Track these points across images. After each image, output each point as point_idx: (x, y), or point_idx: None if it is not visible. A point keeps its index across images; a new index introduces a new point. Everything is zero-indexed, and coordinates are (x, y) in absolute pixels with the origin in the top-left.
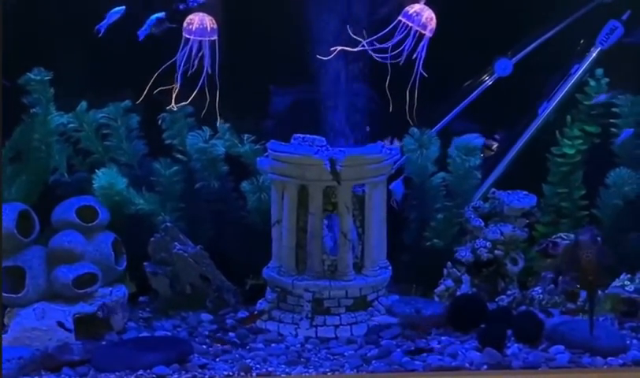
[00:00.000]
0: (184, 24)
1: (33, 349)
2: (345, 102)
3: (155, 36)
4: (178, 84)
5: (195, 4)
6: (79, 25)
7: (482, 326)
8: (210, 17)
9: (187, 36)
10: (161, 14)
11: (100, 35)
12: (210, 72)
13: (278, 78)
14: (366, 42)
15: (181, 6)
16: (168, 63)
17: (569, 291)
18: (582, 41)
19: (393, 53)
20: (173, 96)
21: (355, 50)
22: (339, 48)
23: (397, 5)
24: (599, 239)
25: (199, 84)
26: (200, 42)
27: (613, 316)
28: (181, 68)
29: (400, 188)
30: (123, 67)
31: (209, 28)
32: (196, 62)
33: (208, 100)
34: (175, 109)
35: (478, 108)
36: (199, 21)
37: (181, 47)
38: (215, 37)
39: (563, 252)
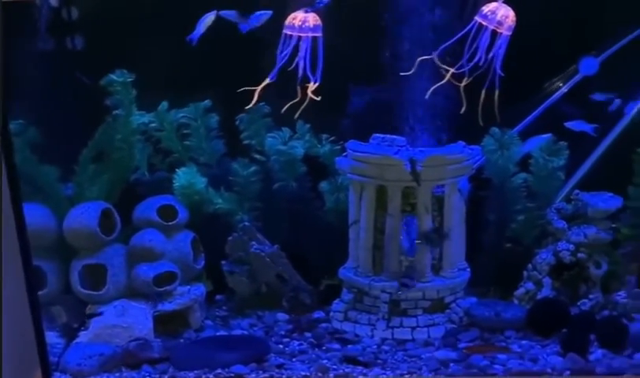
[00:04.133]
0: (288, 21)
1: (114, 346)
2: (426, 102)
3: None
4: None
5: (322, 5)
6: (160, 26)
7: (565, 331)
8: (314, 14)
9: (291, 33)
10: (269, 12)
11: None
12: (307, 70)
13: (359, 78)
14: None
15: (308, 9)
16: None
17: None
18: None
19: (470, 66)
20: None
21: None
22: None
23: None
24: None
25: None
26: (301, 38)
27: None
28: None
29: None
30: (204, 66)
31: (312, 25)
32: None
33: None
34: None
35: (560, 108)
36: (310, 19)
37: (282, 44)
38: (319, 34)
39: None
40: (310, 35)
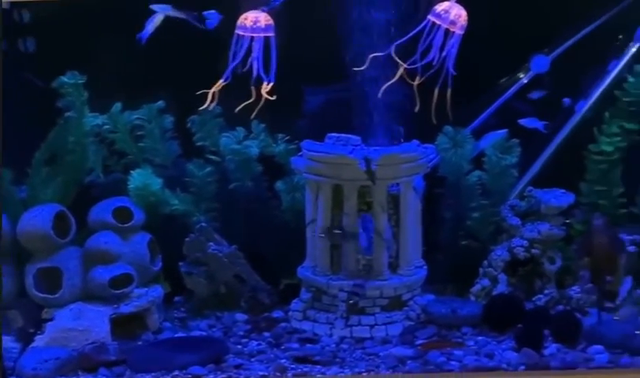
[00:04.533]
0: (239, 21)
1: (70, 349)
2: (380, 101)
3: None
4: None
5: (278, 3)
6: (112, 27)
7: (520, 326)
8: (265, 14)
9: (243, 33)
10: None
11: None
12: (260, 71)
13: (313, 77)
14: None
15: (264, 8)
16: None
17: (608, 290)
18: (620, 37)
19: (423, 64)
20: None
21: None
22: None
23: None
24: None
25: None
26: (253, 38)
27: None
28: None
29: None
30: (156, 67)
31: (264, 25)
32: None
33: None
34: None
35: (513, 105)
36: (262, 19)
37: (235, 44)
38: (271, 33)
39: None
40: (263, 35)
